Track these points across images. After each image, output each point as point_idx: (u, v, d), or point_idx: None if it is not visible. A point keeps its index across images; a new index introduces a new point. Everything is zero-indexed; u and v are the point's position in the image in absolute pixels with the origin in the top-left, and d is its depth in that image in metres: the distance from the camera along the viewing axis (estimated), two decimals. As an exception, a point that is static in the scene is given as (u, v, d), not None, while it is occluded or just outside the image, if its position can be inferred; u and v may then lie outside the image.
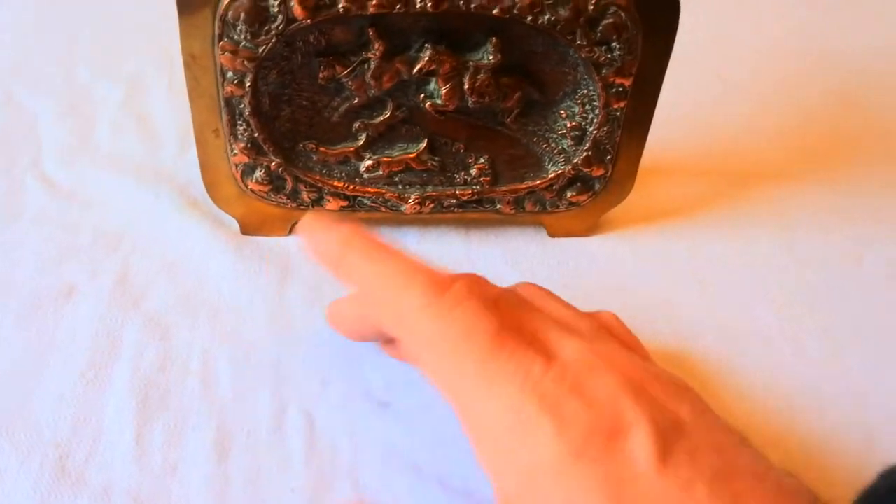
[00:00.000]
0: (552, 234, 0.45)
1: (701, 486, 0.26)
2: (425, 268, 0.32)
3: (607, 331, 0.33)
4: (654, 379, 0.29)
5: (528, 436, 0.27)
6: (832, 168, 0.53)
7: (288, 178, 0.41)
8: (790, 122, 0.57)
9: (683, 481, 0.26)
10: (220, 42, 0.36)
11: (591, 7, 0.36)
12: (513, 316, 0.30)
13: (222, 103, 0.38)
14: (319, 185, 0.41)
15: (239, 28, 0.36)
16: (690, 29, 0.66)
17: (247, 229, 0.44)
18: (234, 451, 0.35)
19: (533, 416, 0.27)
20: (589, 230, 0.45)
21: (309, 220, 0.36)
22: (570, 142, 0.41)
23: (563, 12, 0.36)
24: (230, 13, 0.35)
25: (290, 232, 0.44)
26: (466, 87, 0.39)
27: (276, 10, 0.35)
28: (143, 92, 0.54)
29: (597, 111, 0.40)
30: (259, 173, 0.41)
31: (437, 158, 0.42)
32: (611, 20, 0.37)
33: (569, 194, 0.43)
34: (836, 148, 0.56)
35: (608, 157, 0.42)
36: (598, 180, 0.43)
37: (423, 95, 0.39)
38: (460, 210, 0.43)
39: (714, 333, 0.41)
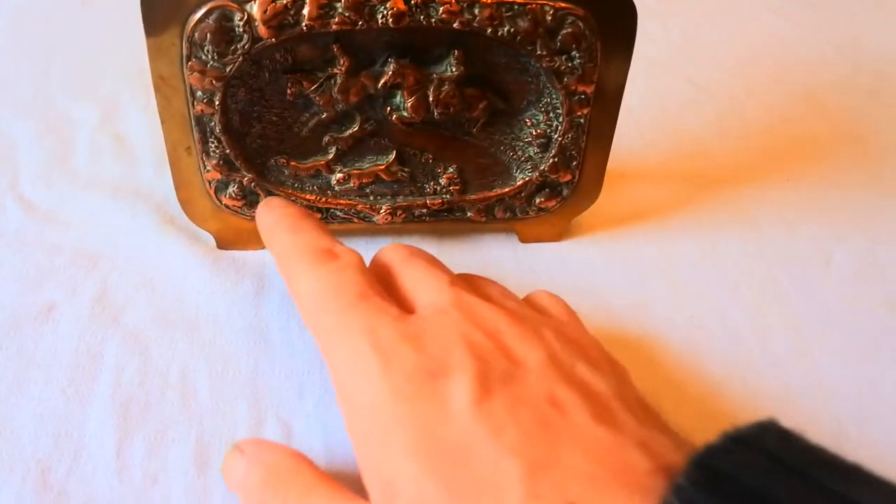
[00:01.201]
0: (524, 240, 0.46)
1: (513, 433, 0.26)
2: (329, 241, 0.35)
3: (537, 308, 0.35)
4: (530, 338, 0.30)
5: (361, 377, 0.29)
6: (798, 169, 0.54)
7: (261, 192, 0.42)
8: (758, 125, 0.58)
9: (495, 425, 0.26)
10: (188, 62, 0.37)
11: (550, 18, 0.37)
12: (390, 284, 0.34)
13: (193, 122, 0.39)
14: (292, 198, 0.42)
15: (206, 48, 0.36)
16: (662, 35, 0.68)
17: (223, 244, 0.44)
18: (214, 462, 0.35)
19: (367, 358, 0.29)
20: (560, 235, 0.46)
21: (262, 203, 0.40)
22: (536, 149, 0.42)
23: (522, 24, 0.37)
24: (196, 34, 0.36)
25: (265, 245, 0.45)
26: (431, 98, 0.40)
27: (241, 30, 0.36)
28: (120, 113, 0.54)
29: (561, 119, 0.41)
30: (232, 189, 0.42)
31: (406, 169, 0.42)
32: (569, 30, 0.38)
33: (537, 200, 0.44)
34: (803, 149, 0.57)
35: (574, 163, 0.43)
36: (566, 186, 0.44)
37: (389, 108, 0.40)
38: (432, 219, 0.44)
39: (683, 331, 0.42)
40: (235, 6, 0.36)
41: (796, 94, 0.63)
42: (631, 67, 0.40)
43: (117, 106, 0.55)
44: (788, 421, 0.38)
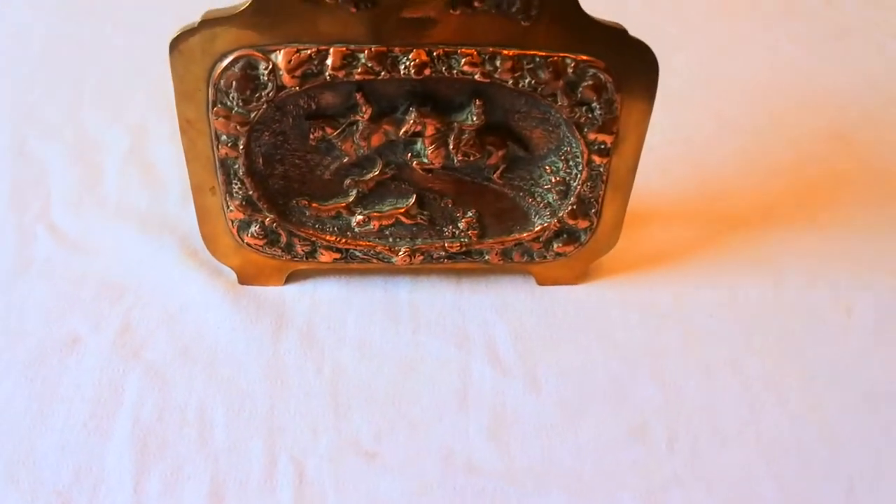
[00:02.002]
0: (541, 283, 0.46)
1: None
2: None
3: None
4: None
5: None
6: (823, 209, 0.54)
7: (282, 232, 0.43)
8: (783, 162, 0.58)
9: None
10: (213, 108, 0.38)
11: (570, 70, 0.37)
12: None
13: (217, 164, 0.40)
14: (313, 238, 0.43)
15: (231, 95, 0.37)
16: (684, 67, 0.67)
17: (244, 279, 0.45)
18: (228, 499, 0.36)
19: None
20: (577, 279, 0.47)
21: None
22: (555, 196, 0.43)
23: (543, 75, 0.37)
24: (222, 81, 0.37)
25: (285, 282, 0.45)
26: (451, 146, 0.40)
27: (265, 78, 0.37)
28: (148, 141, 0.55)
29: (580, 167, 0.41)
30: (254, 228, 0.42)
31: (425, 213, 0.43)
32: (590, 82, 0.38)
33: (555, 246, 0.44)
34: (828, 187, 0.56)
35: (593, 211, 0.43)
36: (584, 232, 0.44)
37: (410, 154, 0.41)
38: (450, 261, 0.45)
39: (696, 380, 0.42)
40: (261, 55, 0.36)
41: (823, 130, 0.62)
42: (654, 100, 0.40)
43: (146, 133, 0.56)
44: (801, 476, 0.38)
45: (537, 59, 0.37)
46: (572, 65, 0.38)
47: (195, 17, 0.36)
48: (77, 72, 0.61)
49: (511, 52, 0.37)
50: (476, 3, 0.35)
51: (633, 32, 0.37)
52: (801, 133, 0.61)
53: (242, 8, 0.35)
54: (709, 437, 0.40)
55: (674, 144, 0.59)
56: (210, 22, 0.36)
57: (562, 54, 0.37)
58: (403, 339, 0.43)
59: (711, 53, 0.68)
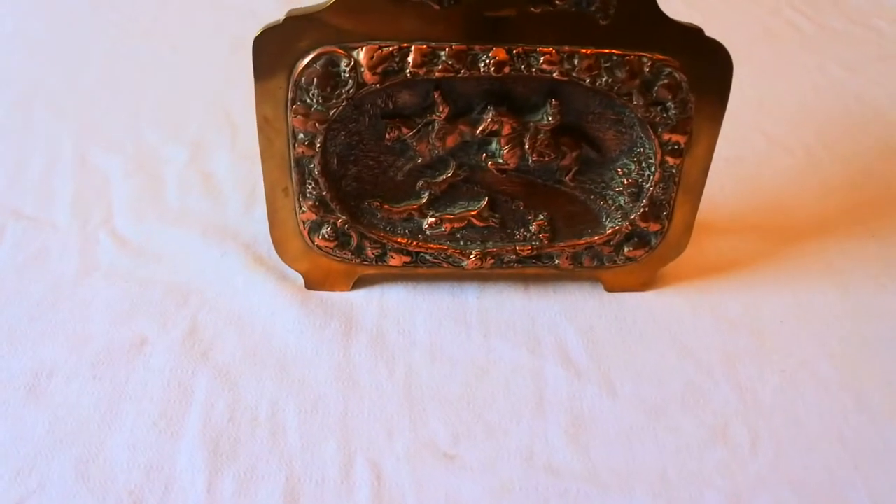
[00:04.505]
0: (609, 289, 0.46)
1: None
2: None
3: None
4: None
5: None
6: (881, 221, 0.54)
7: (353, 234, 0.43)
8: (837, 180, 0.58)
9: None
10: (293, 105, 0.38)
11: (647, 69, 0.38)
12: None
13: (292, 163, 0.40)
14: (383, 241, 0.43)
15: (311, 92, 0.38)
16: (736, 91, 0.68)
17: (311, 284, 0.45)
18: (304, 499, 0.36)
19: None
20: (645, 285, 0.46)
21: None
22: (626, 198, 0.42)
23: (620, 74, 0.38)
24: (303, 78, 0.37)
25: (352, 287, 0.45)
26: (527, 146, 0.40)
27: (346, 75, 0.37)
28: (206, 152, 0.56)
29: (653, 168, 0.41)
30: (325, 230, 0.42)
31: (497, 216, 0.43)
32: (665, 81, 0.38)
33: (626, 250, 0.44)
34: (883, 200, 0.56)
35: (664, 213, 0.43)
36: (655, 235, 0.44)
37: (484, 155, 0.41)
38: (520, 266, 0.44)
39: (773, 385, 0.41)
40: (343, 52, 0.37)
41: (875, 149, 0.62)
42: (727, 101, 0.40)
43: (204, 146, 0.56)
44: (887, 480, 0.37)
45: (614, 58, 0.37)
46: (648, 64, 0.38)
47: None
48: (136, 90, 0.62)
49: (589, 51, 0.37)
50: (557, 2, 0.36)
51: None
52: (853, 153, 0.61)
53: (328, 5, 0.36)
54: (792, 439, 0.39)
55: (728, 162, 0.59)
56: (294, 19, 0.36)
57: (638, 53, 0.38)
58: (475, 344, 0.43)
59: (760, 76, 0.69)
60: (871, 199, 0.56)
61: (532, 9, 0.36)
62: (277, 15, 0.37)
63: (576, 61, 0.37)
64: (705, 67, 0.39)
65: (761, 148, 0.61)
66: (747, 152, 0.60)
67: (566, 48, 0.37)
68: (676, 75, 0.38)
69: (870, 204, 0.56)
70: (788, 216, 0.54)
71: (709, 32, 0.38)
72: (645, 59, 0.38)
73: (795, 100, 0.67)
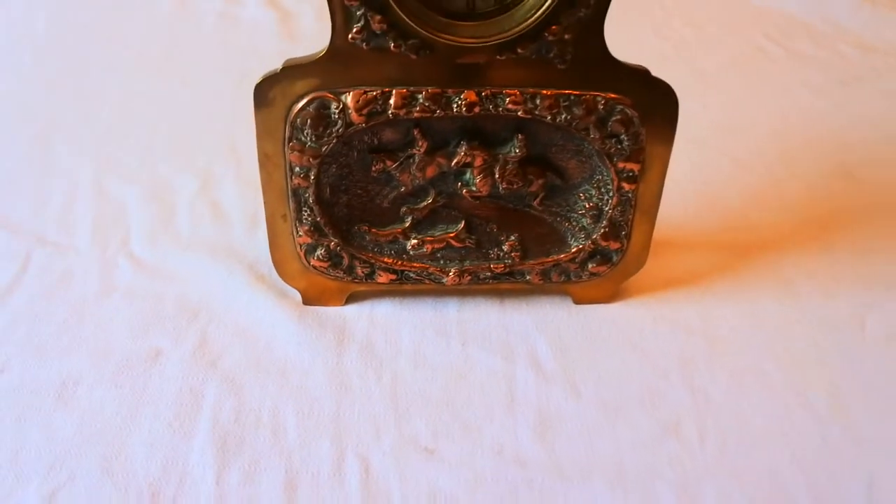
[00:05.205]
0: (577, 302, 0.51)
1: None
2: None
3: None
4: None
5: None
6: (833, 238, 0.58)
7: (345, 255, 0.48)
8: (794, 197, 0.62)
9: None
10: (289, 143, 0.43)
11: (601, 107, 0.43)
12: None
13: (290, 193, 0.45)
14: (372, 261, 0.48)
15: (306, 131, 0.43)
16: (702, 113, 0.73)
17: (308, 300, 0.50)
18: (301, 490, 0.40)
19: None
20: (610, 297, 0.51)
21: None
22: (588, 220, 0.47)
23: (578, 112, 0.43)
24: (299, 119, 0.42)
25: (345, 302, 0.50)
26: (497, 176, 0.45)
27: (336, 116, 0.42)
28: (214, 183, 0.61)
29: (611, 193, 0.46)
30: (320, 252, 0.47)
31: (473, 237, 0.48)
32: (618, 117, 0.43)
33: (590, 266, 0.49)
34: (839, 221, 0.60)
35: (623, 233, 0.48)
36: (616, 253, 0.48)
37: (460, 184, 0.46)
38: (495, 281, 0.49)
39: (723, 386, 0.46)
40: (332, 96, 0.42)
41: (833, 170, 0.66)
42: (674, 145, 0.45)
43: (212, 176, 0.62)
44: (825, 474, 0.42)
45: (572, 98, 0.42)
46: (602, 102, 0.43)
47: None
48: (150, 125, 0.67)
49: (549, 92, 0.42)
50: (520, 50, 0.41)
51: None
52: (813, 173, 0.66)
53: (319, 56, 0.41)
54: (738, 436, 0.43)
55: (693, 183, 0.63)
56: (290, 69, 0.42)
57: (593, 93, 0.42)
58: (454, 352, 0.48)
59: (731, 103, 0.74)
60: (826, 215, 0.61)
61: (498, 56, 0.41)
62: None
63: (538, 101, 0.42)
64: (654, 103, 0.43)
65: (727, 170, 0.66)
66: (713, 175, 0.65)
67: (529, 90, 0.42)
68: (628, 111, 0.43)
69: (825, 221, 0.60)
70: (747, 234, 0.58)
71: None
72: (599, 98, 0.43)
73: (763, 123, 0.71)
